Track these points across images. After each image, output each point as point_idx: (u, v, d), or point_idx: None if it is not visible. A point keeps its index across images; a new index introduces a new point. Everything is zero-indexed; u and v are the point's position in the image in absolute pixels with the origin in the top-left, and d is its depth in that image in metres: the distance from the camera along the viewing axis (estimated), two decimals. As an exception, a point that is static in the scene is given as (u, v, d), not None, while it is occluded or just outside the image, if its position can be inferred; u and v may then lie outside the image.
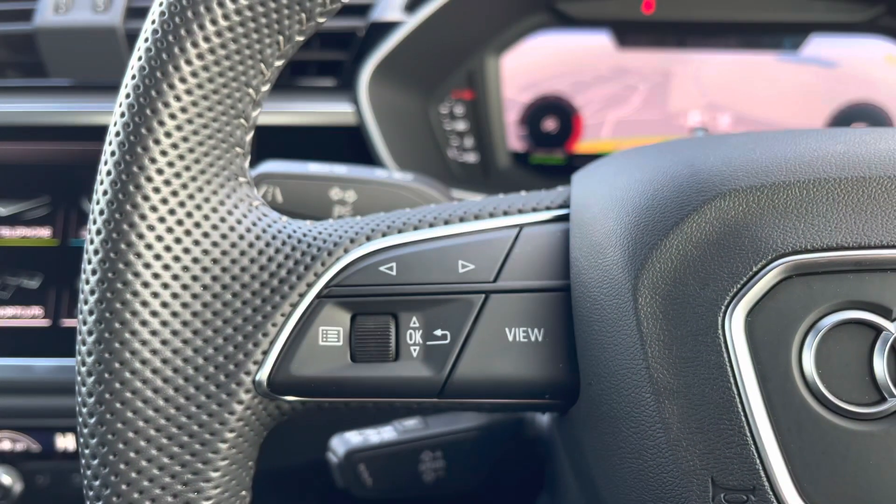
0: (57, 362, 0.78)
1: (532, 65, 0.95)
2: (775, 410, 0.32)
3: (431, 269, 0.38)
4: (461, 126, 0.96)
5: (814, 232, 0.33)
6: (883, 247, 0.32)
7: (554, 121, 0.96)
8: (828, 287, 0.33)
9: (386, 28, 0.84)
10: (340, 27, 0.86)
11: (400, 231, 0.40)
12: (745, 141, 0.38)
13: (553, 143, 0.97)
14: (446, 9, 0.84)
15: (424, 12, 0.83)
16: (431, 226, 0.40)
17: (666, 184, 0.36)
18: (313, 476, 0.78)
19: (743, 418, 0.32)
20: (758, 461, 0.32)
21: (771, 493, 0.31)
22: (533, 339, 0.38)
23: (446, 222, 0.40)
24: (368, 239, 0.39)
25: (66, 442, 0.82)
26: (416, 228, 0.40)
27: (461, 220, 0.40)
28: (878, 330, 0.32)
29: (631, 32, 0.92)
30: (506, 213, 0.41)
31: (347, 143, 0.84)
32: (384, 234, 0.40)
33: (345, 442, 0.54)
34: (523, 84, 0.96)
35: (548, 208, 0.41)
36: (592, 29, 0.93)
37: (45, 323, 0.80)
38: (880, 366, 0.32)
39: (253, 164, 0.63)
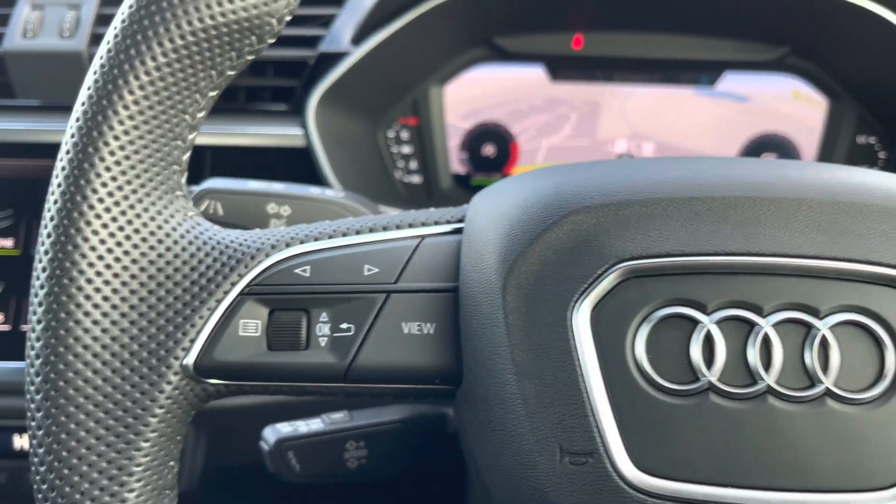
0: (15, 365, 0.83)
1: (473, 94, 1.03)
2: (612, 389, 0.39)
3: (340, 271, 0.45)
4: (407, 150, 1.03)
5: (649, 241, 0.40)
6: (703, 254, 0.39)
7: (493, 146, 1.03)
8: (658, 287, 0.40)
9: (334, 58, 0.91)
10: (293, 56, 0.92)
11: (316, 239, 0.46)
12: (604, 166, 0.45)
13: (492, 167, 1.04)
14: (389, 43, 0.91)
15: (368, 45, 0.90)
16: (344, 235, 0.47)
17: (534, 202, 0.43)
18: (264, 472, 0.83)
19: (585, 395, 0.39)
20: (596, 431, 0.38)
21: (605, 456, 0.38)
22: (425, 332, 0.44)
23: (357, 232, 0.47)
24: (288, 245, 0.46)
25: (23, 442, 0.87)
26: (330, 237, 0.46)
27: (371, 230, 0.47)
28: (695, 322, 0.39)
29: (563, 67, 1.00)
30: (410, 226, 0.47)
31: (297, 164, 0.91)
32: (302, 242, 0.46)
33: (276, 431, 0.60)
34: (465, 112, 1.03)
35: (448, 222, 0.48)
36: (527, 63, 1.01)
37: (5, 328, 0.85)
38: (696, 351, 0.39)
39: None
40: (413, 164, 1.04)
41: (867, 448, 0.37)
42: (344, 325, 0.44)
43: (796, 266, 0.39)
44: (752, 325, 0.39)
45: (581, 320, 0.39)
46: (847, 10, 0.88)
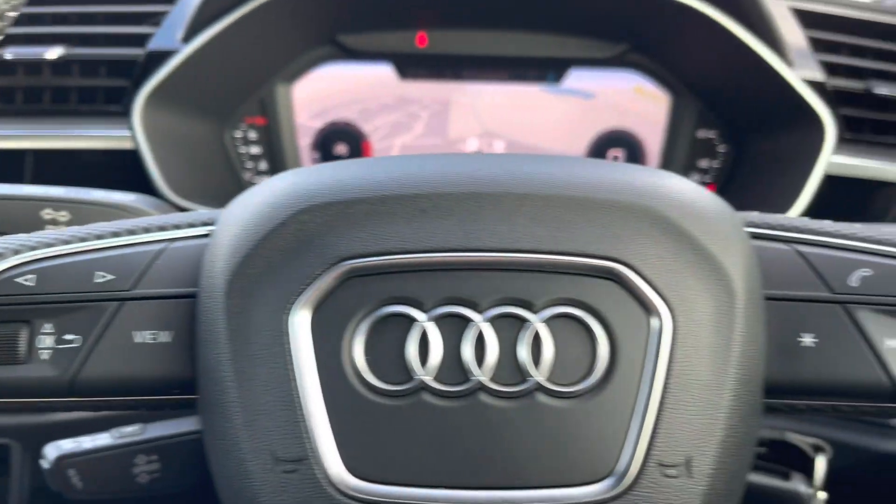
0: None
1: (322, 93, 1.01)
2: (329, 394, 0.38)
3: (69, 279, 0.42)
4: (255, 150, 1.01)
5: (371, 240, 0.39)
6: (422, 252, 0.39)
7: (345, 145, 1.02)
8: (378, 286, 0.39)
9: (163, 57, 0.87)
10: (121, 55, 0.89)
11: (49, 245, 0.44)
12: (344, 165, 0.44)
13: (344, 167, 1.02)
14: (221, 40, 0.88)
15: (197, 42, 0.87)
16: (82, 240, 0.44)
17: (265, 202, 0.42)
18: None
19: (299, 401, 0.37)
20: (308, 437, 0.37)
21: (317, 462, 0.37)
22: (161, 340, 0.42)
23: (99, 237, 0.45)
24: (17, 253, 0.43)
25: None
26: (66, 243, 0.44)
27: (114, 234, 0.45)
28: (412, 320, 0.38)
29: (410, 65, 0.99)
30: (161, 229, 0.45)
31: (128, 168, 0.87)
32: (33, 249, 0.43)
33: (57, 448, 0.57)
34: (315, 111, 1.01)
35: (201, 225, 0.46)
36: (375, 61, 1.00)
37: None
38: (412, 350, 0.38)
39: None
40: (262, 165, 1.01)
41: (578, 441, 0.37)
42: (69, 336, 0.42)
43: (513, 261, 0.39)
44: (468, 321, 0.38)
45: (300, 322, 0.38)
46: (678, 10, 0.89)
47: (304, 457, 0.37)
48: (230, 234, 0.41)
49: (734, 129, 0.98)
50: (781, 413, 0.44)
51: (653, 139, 1.01)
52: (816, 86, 0.85)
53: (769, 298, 0.42)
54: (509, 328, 0.38)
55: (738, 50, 0.87)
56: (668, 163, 1.00)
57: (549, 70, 1.00)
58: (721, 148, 0.99)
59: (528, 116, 1.01)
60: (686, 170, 1.00)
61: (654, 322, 0.38)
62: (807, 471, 0.66)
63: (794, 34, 0.89)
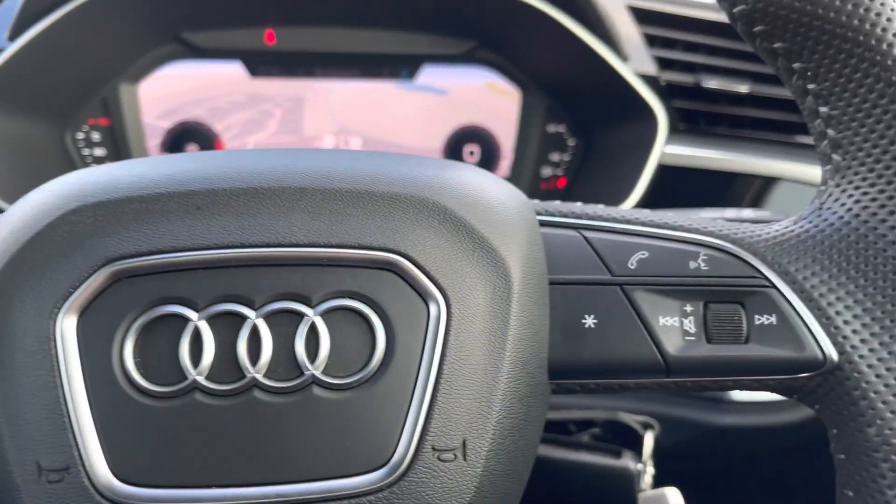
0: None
1: (170, 92, 0.98)
2: (97, 400, 0.36)
3: None
4: (100, 152, 0.97)
5: (142, 239, 0.38)
6: (194, 249, 0.38)
7: (195, 146, 0.99)
8: (150, 287, 0.38)
9: (-15, 55, 0.83)
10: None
11: None
12: (123, 164, 0.43)
13: (196, 168, 1.00)
14: (50, 37, 0.84)
15: (22, 40, 0.83)
16: None
17: (36, 203, 0.40)
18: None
19: (65, 407, 0.36)
20: (74, 444, 0.36)
21: (83, 470, 0.36)
22: None
23: None
24: None
25: None
26: None
27: None
28: (186, 320, 0.38)
29: (260, 62, 0.98)
30: None
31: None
32: None
33: None
34: (163, 111, 0.98)
35: None
36: (224, 59, 0.98)
37: None
38: (185, 350, 0.37)
39: None
40: (109, 168, 0.97)
41: (355, 432, 0.37)
42: None
43: (289, 255, 0.38)
44: (244, 318, 0.38)
45: (66, 327, 0.37)
46: (519, 8, 0.91)
47: (70, 465, 0.36)
48: None
49: (581, 122, 1.01)
50: (576, 393, 0.46)
51: (506, 134, 1.03)
52: (649, 80, 0.89)
53: (555, 283, 0.44)
54: (287, 324, 0.38)
55: (577, 47, 0.91)
56: (520, 157, 1.02)
57: (402, 67, 1.00)
58: (571, 141, 1.03)
59: (384, 113, 1.02)
60: (538, 163, 1.03)
61: (432, 311, 0.39)
62: (638, 448, 0.69)
63: (629, 30, 0.92)
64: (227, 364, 0.37)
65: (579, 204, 0.47)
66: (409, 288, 0.39)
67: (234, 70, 0.98)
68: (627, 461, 0.66)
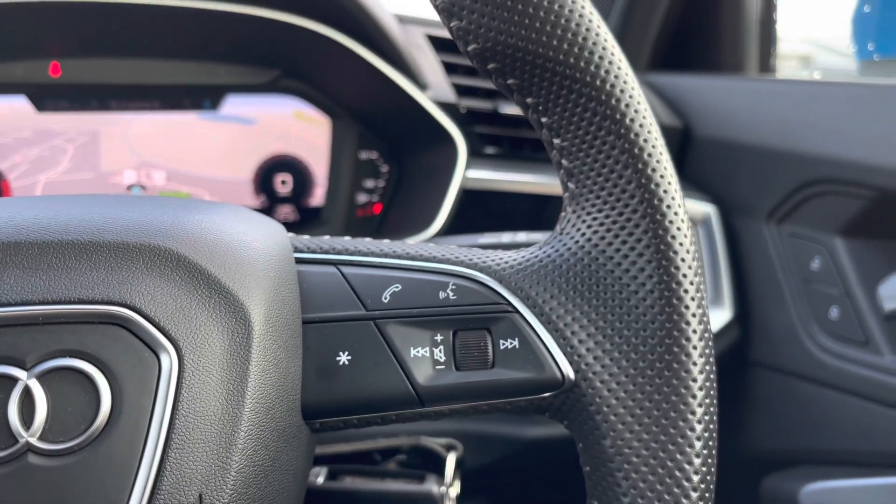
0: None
1: (-56, 130, 0.90)
2: None
3: None
4: None
5: None
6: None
7: (-23, 187, 0.92)
8: None
9: None
10: None
11: None
12: None
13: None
14: None
15: None
16: None
17: None
18: None
19: None
20: None
21: None
22: None
23: None
24: None
25: None
26: None
27: None
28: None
29: (46, 96, 0.92)
30: None
31: None
32: None
33: None
34: (-63, 150, 0.90)
35: None
36: (6, 94, 0.91)
37: None
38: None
39: None
40: None
41: (77, 499, 0.35)
42: None
43: (2, 316, 0.36)
44: (-54, 388, 0.35)
45: None
46: (317, 39, 0.92)
47: None
48: None
49: (393, 149, 1.03)
50: (341, 430, 0.46)
51: (319, 162, 1.02)
52: (447, 107, 0.92)
53: (309, 322, 0.44)
54: (0, 390, 0.36)
55: (377, 77, 0.92)
56: (334, 185, 1.02)
57: (204, 97, 0.98)
58: (384, 168, 1.04)
59: (188, 145, 0.98)
60: (353, 190, 1.03)
61: (164, 363, 0.37)
62: (443, 471, 0.70)
63: (429, 59, 0.95)
64: None
65: (347, 238, 0.47)
66: (137, 341, 0.38)
67: (18, 105, 0.92)
68: (431, 485, 0.67)
